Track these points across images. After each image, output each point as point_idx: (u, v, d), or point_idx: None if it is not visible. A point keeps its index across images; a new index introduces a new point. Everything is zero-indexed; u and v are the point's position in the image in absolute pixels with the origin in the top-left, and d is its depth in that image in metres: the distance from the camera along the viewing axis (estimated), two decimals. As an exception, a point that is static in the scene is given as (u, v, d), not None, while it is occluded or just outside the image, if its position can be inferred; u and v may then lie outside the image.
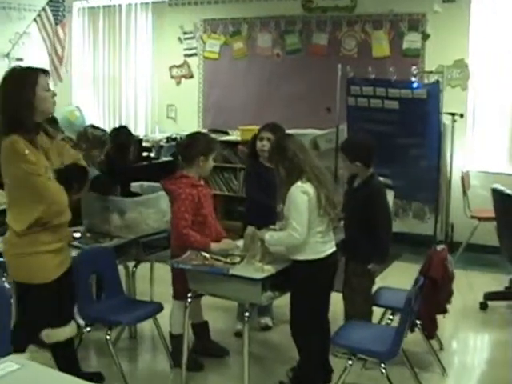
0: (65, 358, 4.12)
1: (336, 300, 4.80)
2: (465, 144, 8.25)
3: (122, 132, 6.21)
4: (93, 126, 5.64)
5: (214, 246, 4.59)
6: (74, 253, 4.60)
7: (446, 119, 7.80)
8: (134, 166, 6.55)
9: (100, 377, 4.60)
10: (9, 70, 3.90)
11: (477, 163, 8.32)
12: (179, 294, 4.75)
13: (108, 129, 6.42)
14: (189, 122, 9.87)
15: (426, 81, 8.12)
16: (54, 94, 3.87)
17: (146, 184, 5.90)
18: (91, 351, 5.21)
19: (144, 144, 9.04)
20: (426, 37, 8.41)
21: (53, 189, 3.76)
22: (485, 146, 8.36)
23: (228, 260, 4.35)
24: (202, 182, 4.82)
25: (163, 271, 5.30)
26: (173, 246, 4.79)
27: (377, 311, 5.17)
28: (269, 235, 4.38)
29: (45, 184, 3.71)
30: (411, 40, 8.52)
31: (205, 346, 5.09)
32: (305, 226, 4.18)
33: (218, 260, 4.36)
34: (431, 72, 8.19)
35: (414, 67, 7.90)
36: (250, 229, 4.63)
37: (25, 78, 3.75)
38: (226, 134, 9.53)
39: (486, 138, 8.34)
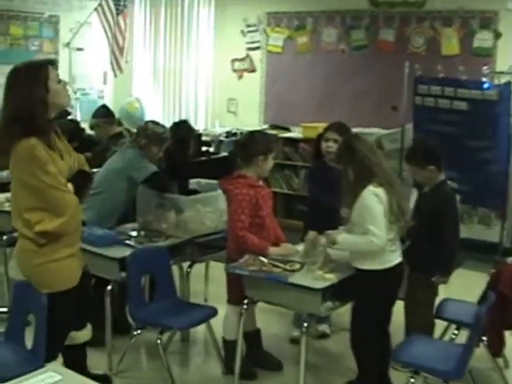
0: (75, 359, 3.97)
1: (396, 310, 4.56)
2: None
3: (182, 127, 6.05)
4: (154, 122, 5.45)
5: (272, 250, 4.40)
6: (128, 252, 4.46)
7: (515, 121, 7.46)
8: (193, 161, 6.36)
9: (108, 380, 4.44)
10: (13, 68, 3.58)
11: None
12: (234, 299, 4.57)
13: (167, 122, 6.29)
14: (250, 117, 9.71)
15: (496, 81, 7.76)
16: (66, 84, 3.68)
17: (203, 181, 5.75)
18: (142, 353, 5.08)
19: (203, 138, 8.89)
20: (498, 35, 8.05)
21: (72, 202, 3.57)
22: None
23: (287, 266, 4.16)
24: (260, 183, 4.62)
25: (218, 270, 5.10)
26: (229, 249, 4.61)
27: (439, 324, 4.91)
28: (342, 238, 4.17)
29: (65, 199, 3.53)
30: (482, 38, 8.17)
31: (257, 356, 4.87)
32: (384, 230, 4.00)
33: (276, 266, 4.16)
34: (502, 72, 7.82)
35: (484, 67, 7.57)
36: (312, 233, 4.44)
37: (34, 74, 3.51)
38: (288, 130, 9.32)
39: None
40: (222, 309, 4.72)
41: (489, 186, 7.42)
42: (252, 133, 4.96)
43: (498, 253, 7.44)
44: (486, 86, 7.35)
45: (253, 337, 4.86)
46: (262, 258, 4.25)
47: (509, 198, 7.60)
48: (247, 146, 4.63)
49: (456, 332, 4.72)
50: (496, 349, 4.65)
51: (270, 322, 5.45)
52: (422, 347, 4.17)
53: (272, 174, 8.93)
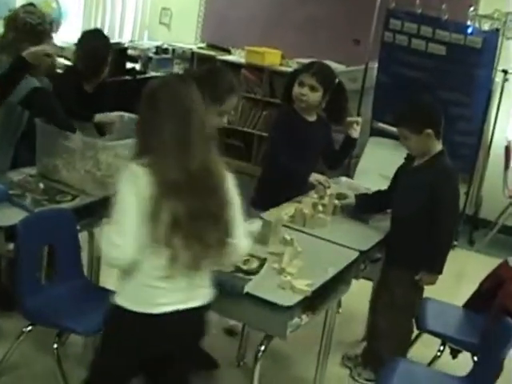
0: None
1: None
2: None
3: (95, 36, 4.64)
4: (27, 11, 3.94)
5: None
6: (19, 217, 3.21)
7: (497, 77, 6.43)
8: (110, 81, 4.94)
9: None
10: None
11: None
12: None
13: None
14: (185, 32, 8.34)
15: (476, 25, 6.64)
16: None
17: (127, 115, 4.43)
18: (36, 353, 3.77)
19: (129, 52, 7.44)
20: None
21: None
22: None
23: (242, 265, 2.99)
24: None
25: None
26: None
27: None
28: None
29: None
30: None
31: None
32: (128, 237, 2.43)
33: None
34: (485, 16, 6.70)
35: (471, 8, 6.43)
36: (273, 213, 3.29)
37: None
38: (228, 52, 8.04)
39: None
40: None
41: (458, 146, 6.41)
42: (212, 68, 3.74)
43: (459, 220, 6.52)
44: (469, 30, 6.28)
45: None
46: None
47: (478, 160, 6.63)
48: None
49: (441, 348, 3.72)
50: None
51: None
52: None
53: (206, 102, 7.76)
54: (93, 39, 4.49)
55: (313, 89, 3.90)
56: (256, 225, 3.31)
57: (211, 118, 3.03)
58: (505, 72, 6.49)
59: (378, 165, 5.84)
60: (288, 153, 3.88)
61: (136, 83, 6.71)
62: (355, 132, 4.10)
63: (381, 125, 6.71)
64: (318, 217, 3.66)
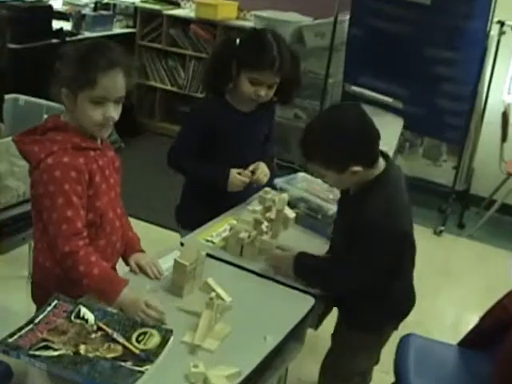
0: None
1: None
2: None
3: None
4: None
5: (123, 288, 2.19)
6: None
7: (493, 29, 5.36)
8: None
9: None
10: None
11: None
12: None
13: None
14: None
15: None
16: None
17: (22, 99, 3.39)
18: None
19: (57, 8, 6.26)
20: None
21: None
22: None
23: (136, 344, 1.97)
24: (97, 142, 2.34)
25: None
26: (38, 266, 2.35)
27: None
28: None
29: None
30: None
31: None
32: None
33: (116, 342, 1.98)
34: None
35: None
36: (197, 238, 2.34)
37: None
38: (177, 5, 6.91)
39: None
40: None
41: (447, 112, 5.43)
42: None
43: (448, 199, 5.59)
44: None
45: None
46: (91, 320, 2.05)
47: (470, 129, 5.63)
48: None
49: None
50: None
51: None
52: None
53: (153, 63, 6.76)
54: None
55: (272, 86, 2.85)
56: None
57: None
58: (501, 24, 5.42)
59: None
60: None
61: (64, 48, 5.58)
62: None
63: (354, 88, 5.75)
64: (262, 240, 2.65)
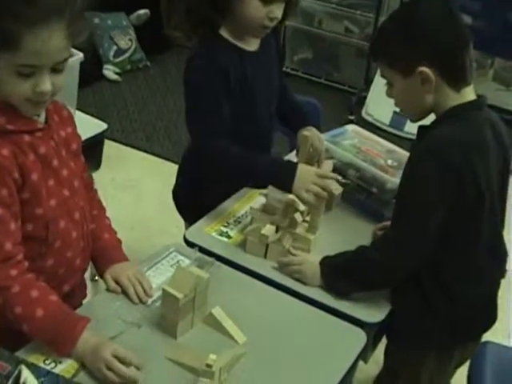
0: None
1: None
2: None
3: None
4: None
5: (81, 332, 1.48)
6: None
7: None
8: None
9: None
10: None
11: None
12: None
13: None
14: None
15: None
16: None
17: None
18: None
19: None
20: None
21: None
22: None
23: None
24: (37, 120, 1.55)
25: None
26: None
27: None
28: None
29: None
30: None
31: None
32: None
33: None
34: None
35: None
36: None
37: None
38: None
39: None
40: None
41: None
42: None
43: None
44: None
45: None
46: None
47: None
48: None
49: None
50: None
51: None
52: None
53: None
54: None
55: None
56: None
57: None
58: None
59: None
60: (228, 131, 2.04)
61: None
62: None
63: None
64: (295, 235, 1.93)
